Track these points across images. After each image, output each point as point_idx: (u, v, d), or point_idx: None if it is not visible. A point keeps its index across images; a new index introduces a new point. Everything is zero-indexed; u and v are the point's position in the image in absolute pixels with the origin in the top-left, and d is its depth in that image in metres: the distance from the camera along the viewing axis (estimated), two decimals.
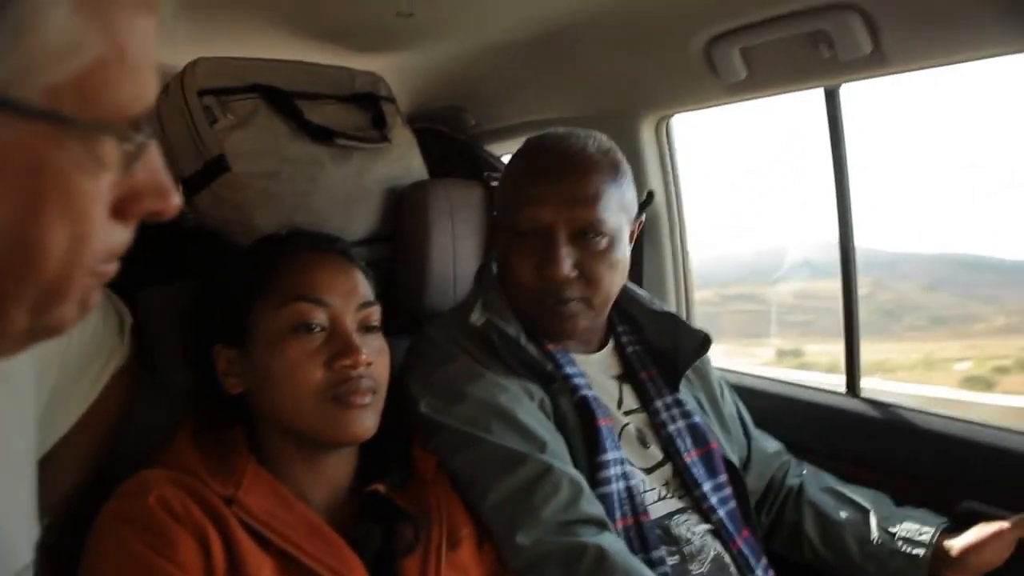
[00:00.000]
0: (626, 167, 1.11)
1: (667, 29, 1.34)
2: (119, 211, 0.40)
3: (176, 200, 0.42)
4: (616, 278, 1.07)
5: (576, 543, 0.88)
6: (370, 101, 1.32)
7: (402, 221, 1.25)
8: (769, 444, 1.26)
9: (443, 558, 0.86)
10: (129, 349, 0.93)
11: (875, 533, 1.10)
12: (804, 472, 1.23)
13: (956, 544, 1.05)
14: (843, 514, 1.14)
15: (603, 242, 1.04)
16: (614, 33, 1.41)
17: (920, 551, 1.05)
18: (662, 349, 1.16)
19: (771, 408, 1.44)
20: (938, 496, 1.16)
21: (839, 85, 1.33)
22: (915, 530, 1.08)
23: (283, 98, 1.19)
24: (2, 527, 0.58)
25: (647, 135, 1.61)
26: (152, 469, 0.81)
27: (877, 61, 1.17)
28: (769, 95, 1.40)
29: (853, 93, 1.33)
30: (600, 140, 1.10)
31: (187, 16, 1.37)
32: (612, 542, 0.90)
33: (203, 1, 1.29)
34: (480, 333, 1.03)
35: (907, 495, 1.17)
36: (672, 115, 1.60)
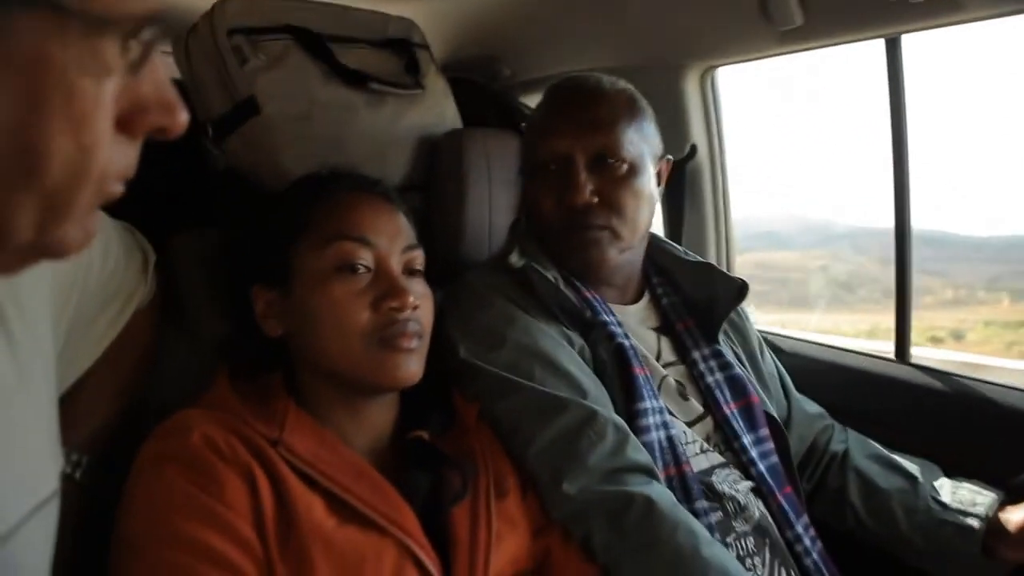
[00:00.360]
0: (645, 105, 1.12)
1: None
2: (124, 125, 0.39)
3: (183, 116, 0.41)
4: (641, 207, 1.06)
5: (623, 492, 0.86)
6: (403, 47, 1.27)
7: (437, 170, 1.22)
8: (810, 406, 1.23)
9: (492, 507, 0.84)
10: (153, 287, 0.91)
11: (925, 502, 1.05)
12: (848, 437, 1.19)
13: (1013, 518, 0.99)
14: (890, 482, 1.10)
15: (623, 168, 1.04)
16: None
17: (974, 523, 1.00)
18: (698, 300, 1.14)
19: (818, 372, 1.40)
20: (992, 468, 1.11)
21: (901, 34, 1.25)
22: (969, 500, 1.03)
23: (315, 40, 1.15)
24: (26, 454, 0.57)
25: (691, 87, 1.54)
26: (192, 409, 0.79)
27: (947, 6, 1.09)
28: (827, 45, 1.31)
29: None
30: (615, 80, 1.12)
31: None
32: (661, 492, 0.87)
33: None
34: (519, 277, 1.02)
35: (959, 466, 1.12)
36: (719, 66, 1.53)
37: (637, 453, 0.90)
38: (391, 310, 0.83)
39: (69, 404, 0.72)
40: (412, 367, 0.85)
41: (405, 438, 0.88)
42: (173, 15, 1.49)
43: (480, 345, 0.97)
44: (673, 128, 1.55)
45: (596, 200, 1.02)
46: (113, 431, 0.83)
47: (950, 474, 1.11)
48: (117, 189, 0.41)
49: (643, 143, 1.07)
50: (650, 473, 0.90)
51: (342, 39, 1.19)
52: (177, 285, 0.96)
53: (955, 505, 1.03)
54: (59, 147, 0.35)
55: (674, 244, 1.20)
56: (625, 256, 1.07)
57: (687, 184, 1.54)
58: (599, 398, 0.94)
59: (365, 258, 0.85)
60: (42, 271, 0.63)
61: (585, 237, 1.03)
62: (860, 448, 1.17)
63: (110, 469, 0.77)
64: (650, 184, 1.08)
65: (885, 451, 1.16)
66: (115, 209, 0.86)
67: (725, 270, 1.58)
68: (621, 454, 0.89)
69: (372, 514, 0.76)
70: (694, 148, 1.53)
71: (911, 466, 1.11)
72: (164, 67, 0.40)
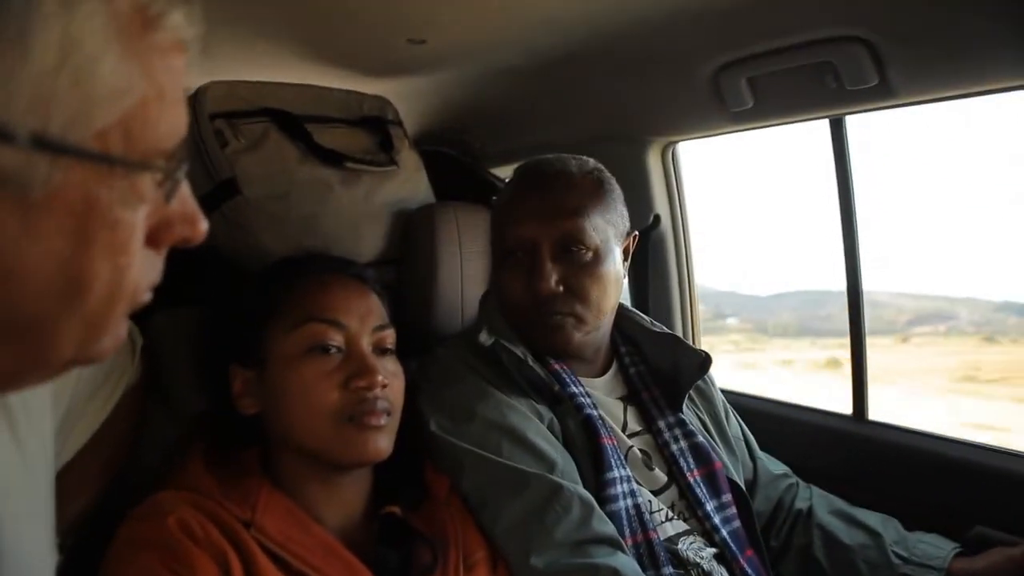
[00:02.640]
0: (613, 186, 1.14)
1: (676, 57, 1.35)
2: (152, 239, 0.42)
3: (204, 226, 0.45)
4: (607, 292, 1.08)
5: (589, 565, 0.88)
6: (378, 125, 1.33)
7: (410, 243, 1.26)
8: (775, 466, 1.26)
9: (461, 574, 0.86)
10: (139, 369, 0.93)
11: (887, 557, 1.09)
12: (812, 495, 1.22)
13: (968, 568, 1.04)
14: (853, 537, 1.13)
15: (587, 255, 1.06)
16: (622, 60, 1.42)
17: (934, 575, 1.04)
18: (663, 370, 1.17)
19: (778, 431, 1.44)
20: (948, 521, 1.16)
21: (844, 116, 1.34)
22: (928, 555, 1.07)
23: (293, 121, 1.20)
24: (25, 554, 0.58)
25: (653, 160, 1.62)
26: (167, 491, 0.80)
27: (882, 92, 1.18)
28: (775, 124, 1.41)
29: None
30: (584, 161, 1.14)
31: (199, 40, 1.38)
32: (625, 563, 0.89)
33: (214, 26, 1.30)
34: (489, 353, 1.04)
35: (917, 520, 1.17)
36: (678, 141, 1.62)
37: (602, 525, 0.92)
38: (360, 388, 0.86)
39: (56, 487, 0.73)
40: (381, 444, 0.87)
41: (377, 513, 0.90)
42: None
43: (450, 420, 0.99)
44: (637, 198, 1.63)
45: (561, 289, 1.04)
46: (95, 510, 0.84)
47: (910, 528, 1.15)
48: (147, 297, 0.44)
49: (609, 227, 1.09)
50: (615, 544, 0.92)
51: (319, 119, 1.24)
52: (159, 363, 0.98)
53: (915, 558, 1.07)
54: (100, 273, 0.39)
55: (640, 314, 1.23)
56: (591, 336, 1.10)
57: (651, 252, 1.61)
58: (567, 471, 0.97)
59: (336, 339, 0.88)
60: None
61: (550, 323, 1.06)
62: (823, 505, 1.20)
63: (89, 550, 0.78)
64: (616, 265, 1.10)
65: (848, 507, 1.19)
66: None
67: (691, 334, 1.65)
68: (587, 526, 0.91)
69: None
70: (657, 218, 1.60)
71: (874, 522, 1.14)
72: (186, 184, 0.44)
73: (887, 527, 1.14)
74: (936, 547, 1.08)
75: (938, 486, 1.24)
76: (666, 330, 1.21)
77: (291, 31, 1.38)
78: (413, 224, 1.26)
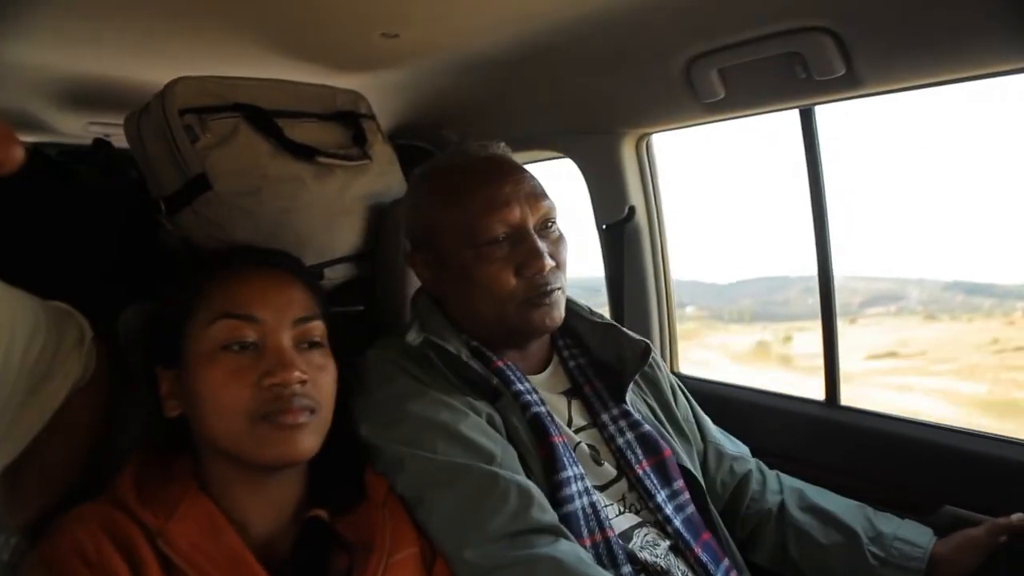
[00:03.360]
0: None
1: (647, 49, 1.36)
2: None
3: (17, 151, 0.40)
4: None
5: (528, 556, 0.84)
6: (351, 119, 1.32)
7: (383, 237, 1.26)
8: (732, 446, 1.25)
9: None
10: (91, 365, 0.90)
11: (864, 559, 1.08)
12: (783, 487, 1.22)
13: (941, 554, 1.05)
14: (829, 537, 1.12)
15: (557, 230, 1.08)
16: (595, 53, 1.43)
17: None
18: (606, 361, 1.15)
19: (750, 417, 1.46)
20: (918, 502, 1.19)
21: (814, 106, 1.36)
22: (905, 555, 1.06)
23: (264, 116, 1.19)
24: None
25: (628, 152, 1.63)
26: (87, 504, 0.79)
27: (850, 82, 1.19)
28: (746, 115, 1.42)
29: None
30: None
31: (169, 35, 1.37)
32: (567, 550, 0.86)
33: (185, 20, 1.30)
34: (419, 353, 1.02)
35: (887, 502, 1.19)
36: (652, 133, 1.62)
37: (542, 513, 0.89)
38: (273, 386, 0.81)
39: (5, 486, 0.72)
40: (303, 443, 0.83)
41: (302, 517, 0.87)
42: (125, 93, 1.53)
43: (381, 421, 0.96)
44: (612, 190, 1.64)
45: (555, 263, 1.04)
46: (53, 511, 0.82)
47: (881, 509, 1.16)
48: None
49: None
50: (556, 532, 0.89)
51: (291, 114, 1.24)
52: (128, 358, 0.97)
53: (892, 559, 1.06)
54: None
55: (579, 303, 1.20)
56: None
57: (626, 244, 1.62)
58: (506, 462, 0.93)
59: (249, 335, 0.84)
60: None
61: (548, 302, 1.04)
62: (795, 500, 1.19)
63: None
64: None
65: (819, 498, 1.18)
66: (71, 284, 0.89)
67: (667, 325, 1.66)
68: (525, 516, 0.88)
69: None
70: (632, 209, 1.61)
71: (848, 516, 1.13)
72: None
73: (860, 519, 1.13)
74: (912, 544, 1.07)
75: (908, 468, 1.27)
76: (606, 319, 1.19)
77: (263, 26, 1.37)
78: (386, 217, 1.26)
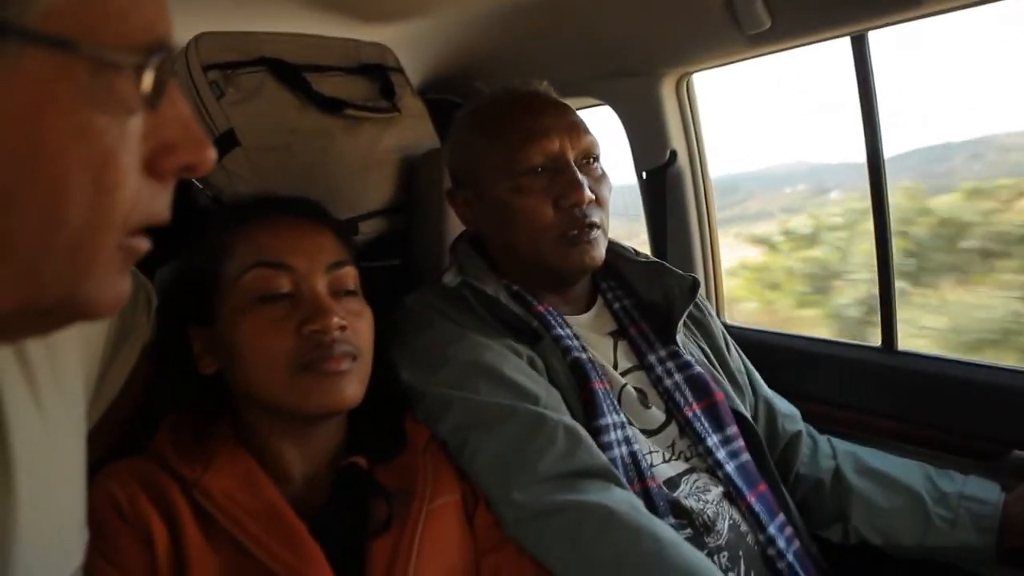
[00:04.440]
0: None
1: None
2: (152, 167, 0.38)
3: (211, 152, 0.40)
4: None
5: (578, 503, 0.82)
6: (378, 71, 1.29)
7: (416, 190, 1.23)
8: (783, 405, 1.20)
9: (418, 536, 0.80)
10: (153, 326, 0.90)
11: (932, 523, 1.03)
12: (836, 451, 1.16)
13: (1013, 511, 0.99)
14: (892, 501, 1.07)
15: (600, 167, 1.06)
16: None
17: (987, 539, 0.99)
18: (653, 302, 1.12)
19: (805, 365, 1.40)
20: (984, 448, 1.12)
21: (868, 31, 1.26)
22: (976, 511, 1.01)
23: (290, 70, 1.17)
24: (56, 529, 0.57)
25: (668, 94, 1.55)
26: (123, 460, 0.80)
27: (911, 1, 1.10)
28: (795, 46, 1.33)
29: None
30: None
31: None
32: (619, 499, 0.83)
33: None
34: (457, 295, 1.00)
35: (951, 449, 1.13)
36: (693, 72, 1.54)
37: (591, 455, 0.87)
38: (314, 333, 0.79)
39: None
40: (347, 391, 0.81)
41: (340, 464, 0.86)
42: None
43: (422, 366, 0.94)
44: (652, 135, 1.58)
45: (593, 197, 1.01)
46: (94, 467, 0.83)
47: (944, 460, 1.10)
48: (143, 245, 0.39)
49: None
50: (607, 476, 0.86)
51: (316, 68, 1.21)
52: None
53: (963, 521, 1.01)
54: (77, 189, 0.34)
55: (623, 245, 1.18)
56: None
57: (668, 189, 1.56)
58: (551, 403, 0.91)
59: (283, 284, 0.82)
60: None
61: (587, 238, 1.01)
62: (850, 464, 1.14)
63: None
64: None
65: (875, 460, 1.13)
66: None
67: (712, 267, 1.60)
68: (573, 457, 0.85)
69: (274, 564, 0.74)
70: (674, 154, 1.54)
71: (905, 475, 1.08)
72: (184, 104, 0.39)
73: (921, 479, 1.07)
74: (981, 502, 1.01)
75: (970, 413, 1.19)
76: (652, 258, 1.15)
77: None
78: (419, 170, 1.23)
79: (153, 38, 0.36)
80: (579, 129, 1.03)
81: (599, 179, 1.04)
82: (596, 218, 1.01)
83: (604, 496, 0.83)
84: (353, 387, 0.82)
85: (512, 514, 0.85)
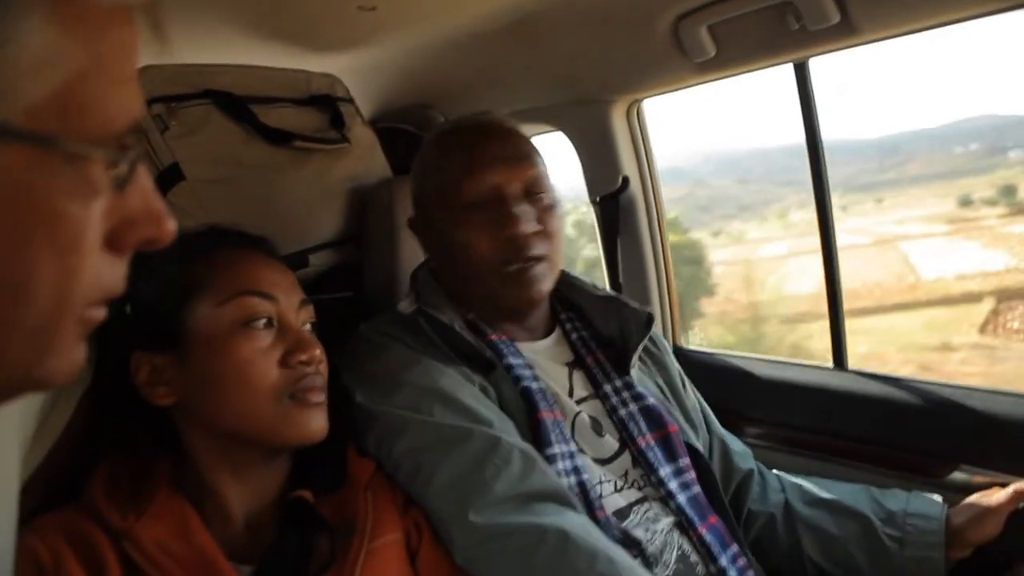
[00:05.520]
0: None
1: (633, 9, 1.30)
2: (113, 242, 0.38)
3: (171, 226, 0.40)
4: (563, 238, 1.07)
5: (534, 525, 0.81)
6: (327, 102, 1.30)
7: (368, 221, 1.22)
8: (735, 444, 1.21)
9: (357, 574, 0.79)
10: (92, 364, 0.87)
11: (882, 544, 1.04)
12: (784, 485, 1.17)
13: (956, 523, 1.02)
14: (843, 527, 1.08)
15: (547, 198, 1.05)
16: (580, 18, 1.37)
17: (934, 554, 1.01)
18: (610, 335, 1.13)
19: (759, 386, 1.41)
20: (929, 464, 1.14)
21: (808, 59, 1.30)
22: (922, 527, 1.03)
23: (236, 102, 1.16)
24: None
25: (619, 121, 1.57)
26: (49, 514, 0.77)
27: (845, 31, 1.14)
28: (739, 72, 1.36)
29: None
30: (508, 120, 1.13)
31: (148, 14, 1.32)
32: (574, 522, 0.83)
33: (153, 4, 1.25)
34: (412, 322, 1.01)
35: (899, 465, 1.15)
36: (643, 98, 1.57)
37: (545, 478, 0.87)
38: (300, 364, 0.81)
39: None
40: (322, 422, 0.83)
41: (288, 498, 0.84)
42: None
43: (377, 391, 0.94)
44: (604, 162, 1.59)
45: (540, 227, 1.01)
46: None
47: (892, 475, 1.12)
48: (100, 314, 0.39)
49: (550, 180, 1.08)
50: (561, 500, 0.86)
51: (264, 99, 1.21)
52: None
53: (911, 539, 1.03)
54: (43, 276, 0.34)
55: (581, 279, 1.19)
56: (550, 289, 1.06)
57: (621, 215, 1.57)
58: (505, 429, 0.92)
59: (269, 312, 0.83)
60: None
61: (528, 272, 1.01)
62: (798, 496, 1.14)
63: None
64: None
65: (821, 492, 1.13)
66: None
67: (666, 294, 1.62)
68: (529, 479, 0.86)
69: None
70: (626, 180, 1.56)
71: (852, 499, 1.10)
72: (147, 176, 0.39)
73: (867, 501, 1.09)
74: (925, 518, 1.04)
75: (918, 430, 1.22)
76: (608, 292, 1.17)
77: (235, 7, 1.33)
78: (370, 201, 1.23)
79: (127, 125, 0.36)
80: (523, 161, 1.04)
81: (546, 209, 1.04)
82: (540, 250, 1.01)
83: (559, 519, 0.83)
84: (324, 419, 0.84)
85: (466, 538, 0.84)
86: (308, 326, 0.88)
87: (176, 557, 0.74)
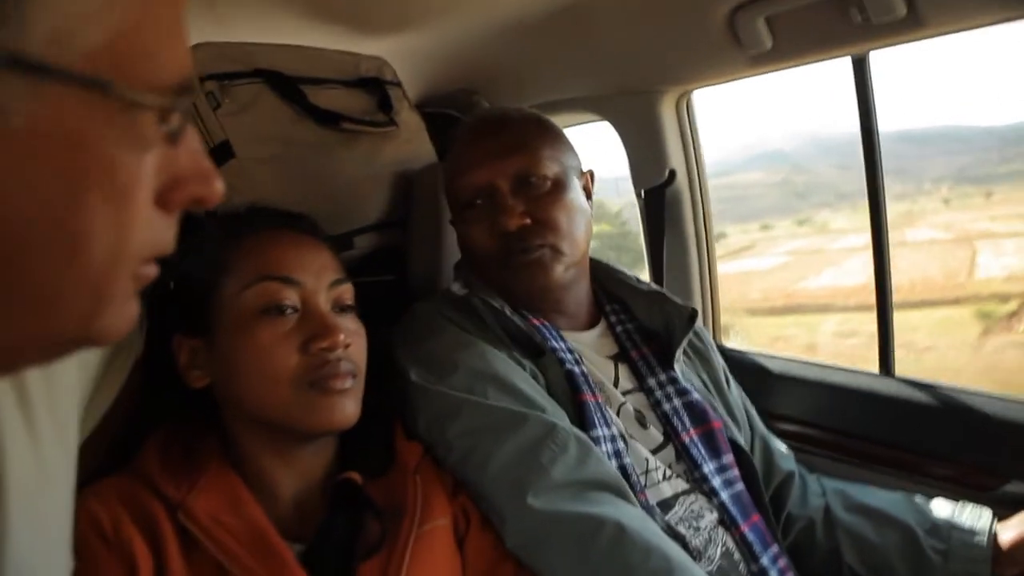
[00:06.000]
0: (554, 126, 1.11)
1: None
2: (163, 200, 0.38)
3: (220, 185, 0.40)
4: (576, 220, 1.04)
5: (592, 516, 0.81)
6: (375, 85, 1.29)
7: (413, 205, 1.22)
8: (778, 444, 1.19)
9: (406, 560, 0.78)
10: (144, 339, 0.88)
11: (926, 556, 1.00)
12: (825, 489, 1.15)
13: (1006, 539, 0.98)
14: (884, 537, 1.05)
15: (546, 184, 1.03)
16: (632, 5, 1.35)
17: (981, 569, 0.97)
18: (654, 328, 1.12)
19: (803, 389, 1.38)
20: (979, 478, 1.11)
21: (868, 52, 1.26)
22: (968, 540, 0.99)
23: (286, 82, 1.16)
24: (46, 558, 0.55)
25: (667, 112, 1.55)
26: (108, 478, 0.78)
27: (911, 24, 1.10)
28: (795, 65, 1.32)
29: None
30: (523, 108, 1.13)
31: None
32: (632, 515, 0.83)
33: None
34: (465, 306, 1.00)
35: (946, 478, 1.11)
36: (693, 90, 1.54)
37: (601, 466, 0.87)
38: (321, 350, 0.79)
39: None
40: (348, 409, 0.81)
41: (336, 480, 0.84)
42: None
43: (432, 371, 0.94)
44: (651, 154, 1.57)
45: (528, 221, 1.00)
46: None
47: (940, 488, 1.08)
48: (152, 271, 0.39)
49: (561, 158, 1.06)
50: (617, 490, 0.86)
51: (314, 80, 1.20)
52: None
53: (956, 554, 0.99)
54: (100, 227, 0.34)
55: (625, 271, 1.17)
56: (571, 274, 1.04)
57: (667, 211, 1.55)
58: (557, 415, 0.91)
59: (290, 298, 0.81)
60: None
61: (526, 260, 1.00)
62: (839, 502, 1.12)
63: None
64: (579, 197, 1.07)
65: (864, 499, 1.11)
66: None
67: (709, 289, 1.59)
68: (585, 466, 0.85)
69: None
70: (673, 173, 1.53)
71: (895, 508, 1.07)
72: (196, 137, 0.40)
73: (911, 511, 1.06)
74: (971, 531, 0.99)
75: (967, 442, 1.18)
76: (653, 287, 1.15)
77: None
78: (416, 185, 1.22)
79: (180, 79, 0.36)
80: (513, 152, 1.02)
81: (542, 197, 1.02)
82: (536, 240, 1.00)
83: (616, 510, 0.82)
84: (352, 406, 0.82)
85: (521, 521, 0.83)
86: (342, 307, 0.86)
87: (230, 530, 0.75)
